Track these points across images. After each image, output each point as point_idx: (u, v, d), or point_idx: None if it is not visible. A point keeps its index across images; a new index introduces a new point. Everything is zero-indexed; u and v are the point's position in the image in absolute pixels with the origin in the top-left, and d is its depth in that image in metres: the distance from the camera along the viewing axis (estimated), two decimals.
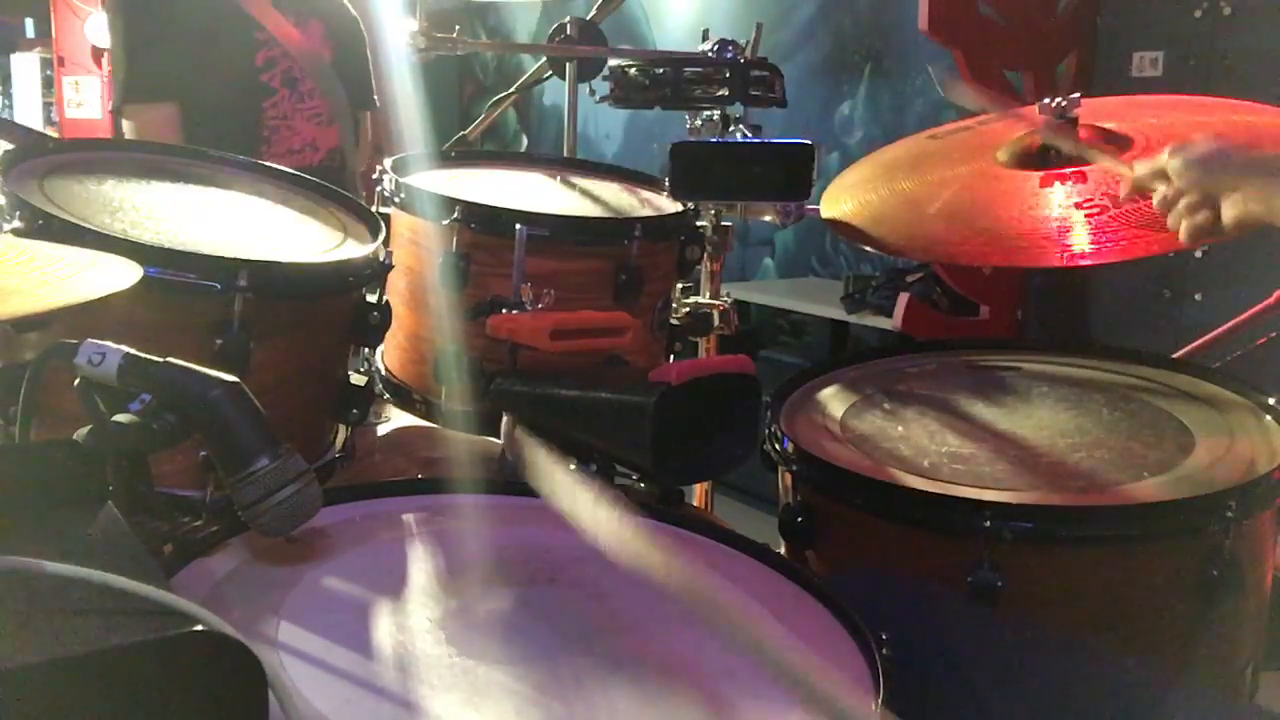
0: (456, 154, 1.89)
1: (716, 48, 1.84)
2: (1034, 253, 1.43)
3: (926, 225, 1.55)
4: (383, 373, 1.58)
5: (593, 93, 2.01)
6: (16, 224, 1.11)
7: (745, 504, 3.21)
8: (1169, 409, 1.42)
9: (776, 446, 1.38)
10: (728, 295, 1.88)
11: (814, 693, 0.72)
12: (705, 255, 1.72)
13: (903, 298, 3.63)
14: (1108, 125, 1.55)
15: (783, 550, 1.35)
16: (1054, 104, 1.51)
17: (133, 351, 0.88)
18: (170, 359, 0.88)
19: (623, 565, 0.91)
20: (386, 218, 1.45)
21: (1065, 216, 1.43)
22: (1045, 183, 1.49)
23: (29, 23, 8.47)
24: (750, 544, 1.09)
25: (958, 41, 3.42)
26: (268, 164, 1.52)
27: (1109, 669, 0.99)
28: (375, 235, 1.37)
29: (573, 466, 1.35)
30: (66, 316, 1.04)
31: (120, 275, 0.89)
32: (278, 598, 0.88)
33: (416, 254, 1.48)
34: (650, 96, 1.89)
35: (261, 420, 0.89)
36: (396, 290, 1.49)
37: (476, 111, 2.48)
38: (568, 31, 2.10)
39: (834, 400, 1.51)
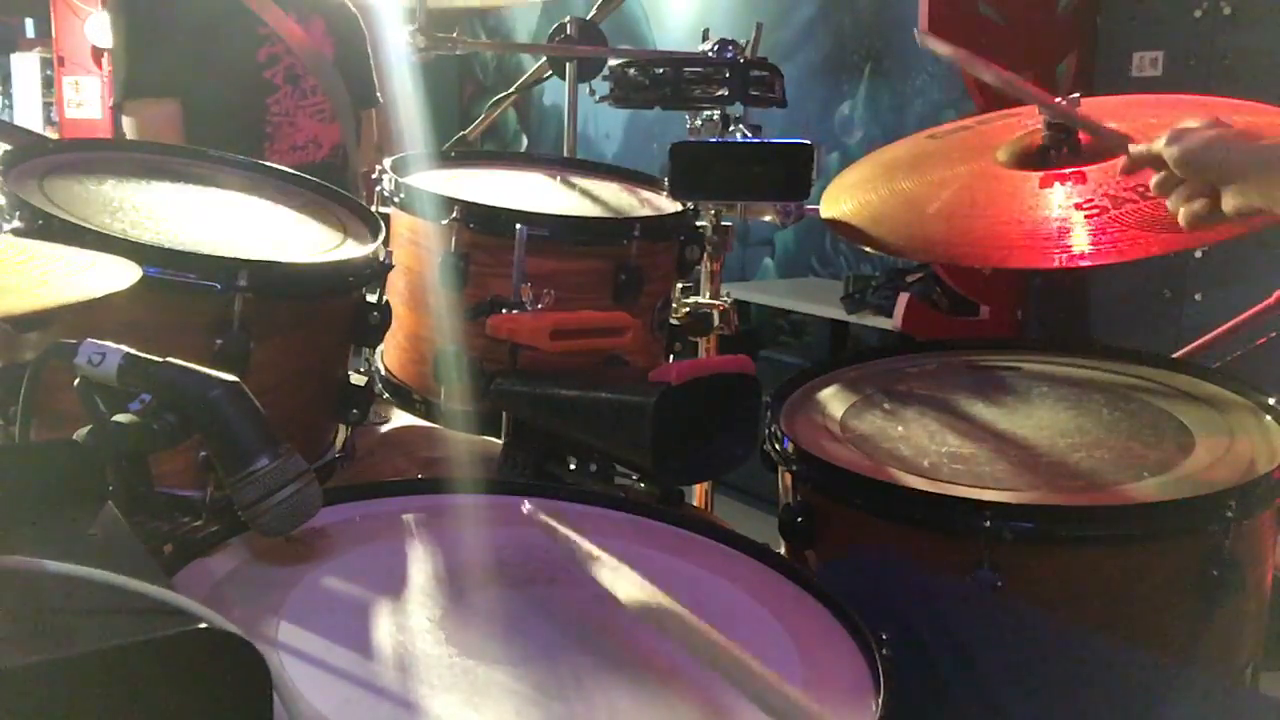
0: (456, 154, 1.89)
1: (716, 48, 1.84)
2: (1034, 253, 1.43)
3: (926, 225, 1.55)
4: (383, 373, 1.58)
5: (593, 93, 2.01)
6: (16, 224, 1.10)
7: (745, 504, 3.21)
8: (1169, 409, 1.42)
9: (776, 446, 1.38)
10: (728, 295, 1.88)
11: None
12: (705, 255, 1.73)
13: (903, 298, 3.63)
14: (1109, 125, 1.55)
15: (783, 550, 1.35)
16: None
17: (133, 351, 0.88)
18: (170, 359, 0.88)
19: (622, 566, 0.91)
20: (386, 217, 1.45)
21: (1065, 217, 1.43)
22: (1045, 183, 1.49)
23: (29, 23, 8.47)
24: (750, 544, 1.09)
25: (958, 41, 3.41)
26: (268, 164, 1.52)
27: (1109, 668, 0.99)
28: (375, 235, 1.36)
29: (573, 466, 1.36)
30: (66, 316, 1.04)
31: (120, 275, 0.89)
32: (278, 598, 0.88)
33: (416, 254, 1.48)
34: (650, 96, 1.89)
35: (261, 420, 0.89)
36: (396, 290, 1.49)
37: (476, 111, 2.48)
38: (568, 31, 2.10)
39: (834, 400, 1.51)
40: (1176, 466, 1.27)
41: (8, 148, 1.26)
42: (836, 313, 4.18)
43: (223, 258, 1.16)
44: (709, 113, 1.85)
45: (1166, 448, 1.32)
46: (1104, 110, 1.60)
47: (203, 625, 0.59)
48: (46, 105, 8.12)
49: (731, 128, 1.82)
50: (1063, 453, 1.32)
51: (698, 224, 1.67)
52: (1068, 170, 1.49)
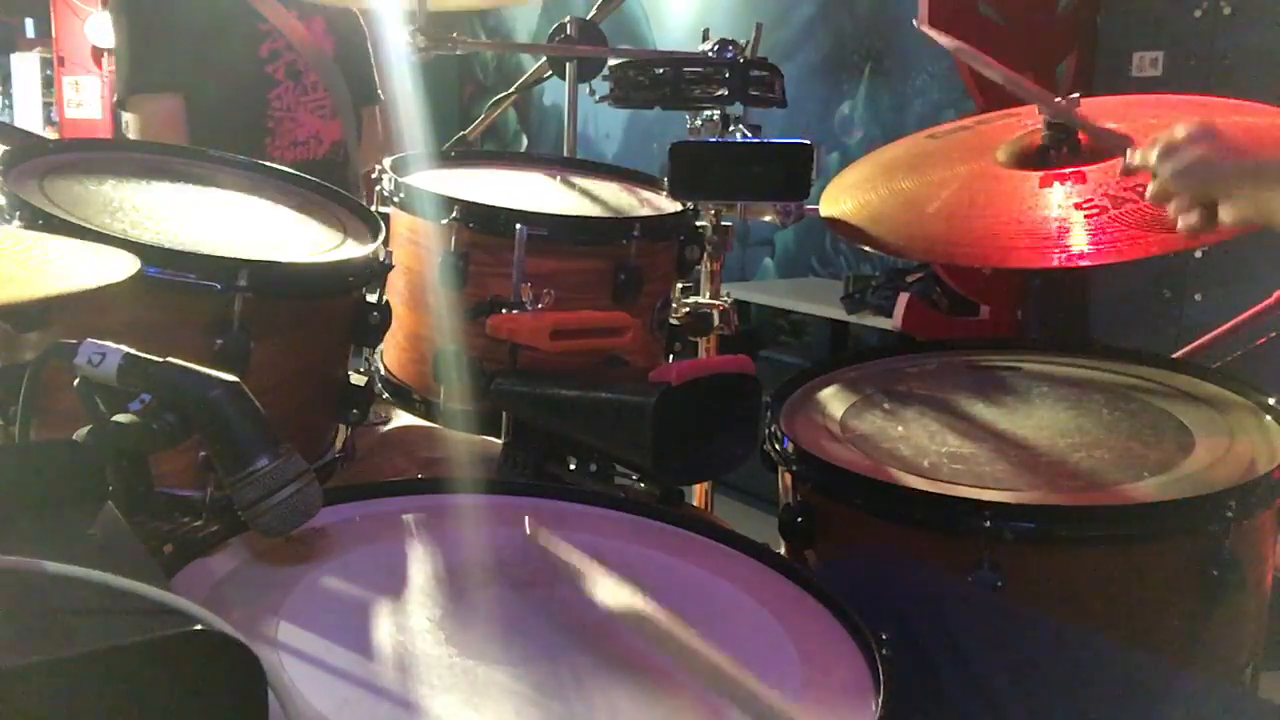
0: (456, 154, 1.89)
1: (716, 48, 1.84)
2: (1034, 253, 1.43)
3: (926, 225, 1.55)
4: (383, 373, 1.58)
5: (593, 93, 2.01)
6: (16, 224, 1.10)
7: (745, 504, 3.21)
8: (1169, 409, 1.42)
9: (776, 446, 1.38)
10: (728, 295, 1.88)
11: None
12: (705, 255, 1.72)
13: (903, 298, 3.63)
14: (1108, 125, 1.55)
15: (783, 550, 1.35)
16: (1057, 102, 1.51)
17: (133, 351, 0.88)
18: (170, 359, 0.88)
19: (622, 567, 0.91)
20: (386, 217, 1.45)
21: (1065, 217, 1.43)
22: (1045, 183, 1.49)
23: (29, 23, 8.47)
24: (750, 544, 1.09)
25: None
26: (268, 164, 1.52)
27: (1107, 669, 0.99)
28: (375, 235, 1.36)
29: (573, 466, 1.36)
30: (66, 315, 1.04)
31: (119, 267, 0.89)
32: (278, 598, 0.88)
33: (416, 254, 1.48)
34: (650, 96, 1.89)
35: (261, 420, 0.89)
36: (396, 290, 1.49)
37: (476, 111, 2.47)
38: (568, 31, 2.10)
39: (834, 400, 1.51)
40: (1176, 466, 1.27)
41: (7, 148, 1.26)
42: (836, 313, 4.18)
43: (223, 258, 1.16)
44: (709, 113, 1.85)
45: (1166, 448, 1.32)
46: (1104, 110, 1.60)
47: (197, 627, 0.59)
48: (46, 105, 8.12)
49: (731, 128, 1.82)
50: (1063, 453, 1.32)
51: (698, 224, 1.67)
52: (1067, 170, 1.49)
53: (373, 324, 1.34)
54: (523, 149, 6.62)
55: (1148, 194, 1.21)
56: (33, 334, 1.09)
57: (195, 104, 2.14)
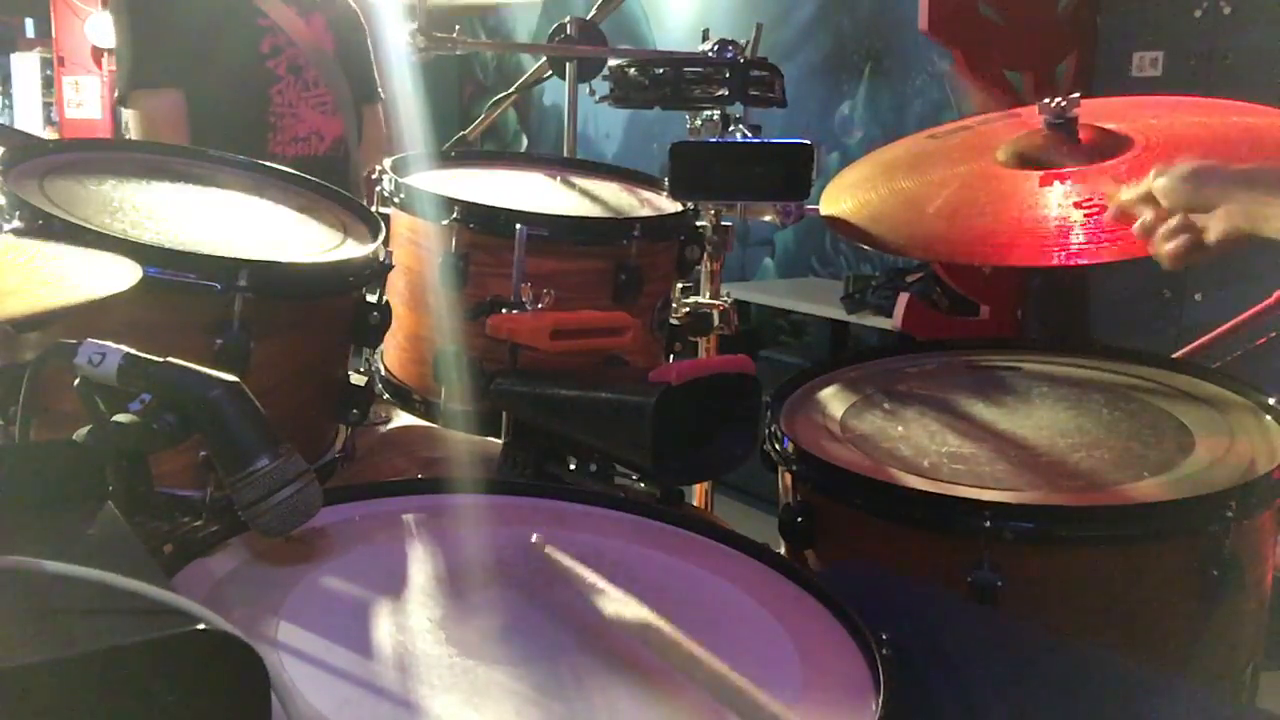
0: (456, 154, 1.89)
1: (716, 48, 1.84)
2: (1034, 253, 1.43)
3: (926, 225, 1.55)
4: (383, 373, 1.58)
5: (593, 93, 2.02)
6: (16, 224, 1.10)
7: (745, 504, 3.21)
8: (1169, 409, 1.42)
9: (776, 446, 1.38)
10: (728, 295, 1.88)
11: None
12: (705, 255, 1.73)
13: (903, 298, 3.63)
14: (1108, 125, 1.55)
15: (783, 550, 1.35)
16: (1054, 104, 1.51)
17: (133, 351, 0.88)
18: (170, 359, 0.88)
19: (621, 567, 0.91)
20: (386, 217, 1.45)
21: (1064, 216, 1.43)
22: (1045, 182, 1.49)
23: (29, 23, 8.48)
24: (750, 544, 1.09)
25: (958, 41, 3.43)
26: (268, 164, 1.52)
27: (1099, 682, 0.99)
28: (375, 235, 1.36)
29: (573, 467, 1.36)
30: (66, 316, 1.04)
31: (120, 275, 0.89)
32: (278, 598, 0.88)
33: (416, 254, 1.48)
34: (650, 96, 1.89)
35: (261, 420, 0.89)
36: (396, 290, 1.49)
37: (476, 111, 2.48)
38: (568, 31, 2.10)
39: (834, 400, 1.51)
40: (1176, 466, 1.27)
41: (6, 148, 1.26)
42: (836, 313, 4.18)
43: (223, 258, 1.16)
44: (709, 113, 1.85)
45: (1166, 448, 1.32)
46: (1104, 110, 1.60)
47: (200, 626, 0.59)
48: (46, 105, 8.13)
49: (731, 128, 1.82)
50: (1063, 453, 1.32)
51: (698, 224, 1.67)
52: (1067, 169, 1.49)
53: (373, 324, 1.34)
54: (523, 149, 6.62)
55: (1135, 227, 1.22)
56: (33, 334, 1.09)
57: (197, 100, 2.14)
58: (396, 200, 1.50)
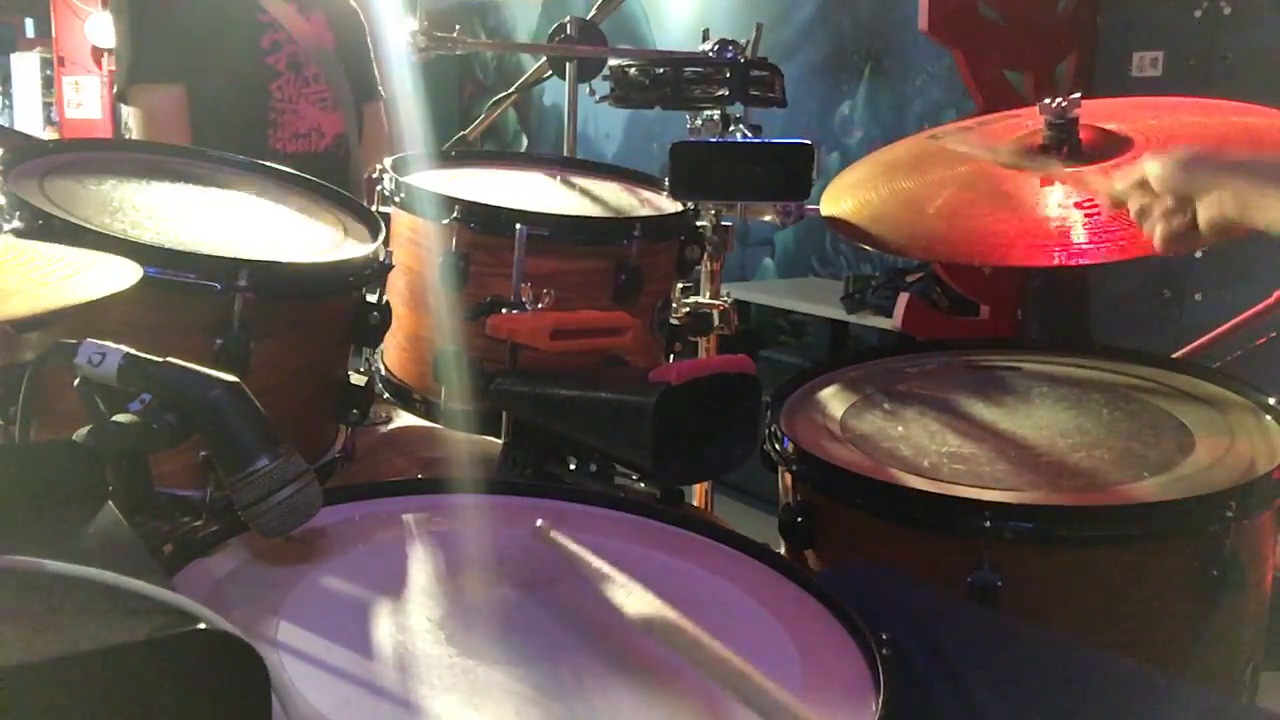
0: (456, 154, 1.89)
1: (716, 48, 1.84)
2: (1034, 253, 1.43)
3: (926, 225, 1.55)
4: (383, 373, 1.58)
5: (593, 93, 2.02)
6: (16, 224, 1.10)
7: (745, 504, 3.21)
8: (1169, 409, 1.42)
9: (776, 446, 1.38)
10: (728, 295, 1.88)
11: None
12: (705, 255, 1.72)
13: (903, 298, 3.63)
14: (1108, 126, 1.55)
15: (783, 550, 1.35)
16: (1054, 104, 1.51)
17: (133, 351, 0.88)
18: (170, 359, 0.88)
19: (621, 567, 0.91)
20: (386, 217, 1.45)
21: (1065, 216, 1.43)
22: (1045, 182, 1.49)
23: (29, 23, 8.48)
24: (750, 544, 1.09)
25: (958, 42, 3.43)
26: (268, 164, 1.52)
27: (1101, 684, 0.99)
28: (375, 235, 1.37)
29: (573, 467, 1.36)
30: (66, 316, 1.04)
31: (120, 275, 0.89)
32: (278, 598, 0.88)
33: (416, 254, 1.48)
34: (650, 96, 1.89)
35: (261, 420, 0.89)
36: (396, 290, 1.49)
37: (476, 111, 2.48)
38: (568, 31, 2.10)
39: (834, 400, 1.51)
40: (1176, 466, 1.27)
41: (6, 149, 1.26)
42: (836, 313, 4.18)
43: (223, 258, 1.16)
44: (709, 113, 1.85)
45: (1166, 448, 1.32)
46: (1104, 110, 1.60)
47: (201, 626, 0.59)
48: (46, 105, 8.13)
49: (731, 128, 1.82)
50: (1063, 453, 1.32)
51: (698, 224, 1.67)
52: (1067, 170, 1.49)
53: (373, 324, 1.34)
54: (523, 149, 6.63)
55: (1131, 210, 1.22)
56: (33, 334, 1.09)
57: (197, 95, 2.14)
58: (397, 200, 1.50)
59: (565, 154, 2.18)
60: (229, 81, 2.15)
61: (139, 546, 0.72)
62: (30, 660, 0.55)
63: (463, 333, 1.43)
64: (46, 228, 1.10)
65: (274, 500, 0.88)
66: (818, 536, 1.33)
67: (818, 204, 1.66)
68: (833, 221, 1.62)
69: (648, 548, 1.07)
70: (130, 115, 2.18)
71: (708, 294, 1.87)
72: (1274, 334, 1.92)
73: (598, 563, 0.93)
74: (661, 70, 1.87)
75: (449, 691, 0.78)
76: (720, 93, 1.83)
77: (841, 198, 1.64)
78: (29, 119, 8.21)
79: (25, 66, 8.29)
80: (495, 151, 2.49)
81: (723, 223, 1.79)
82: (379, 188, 1.54)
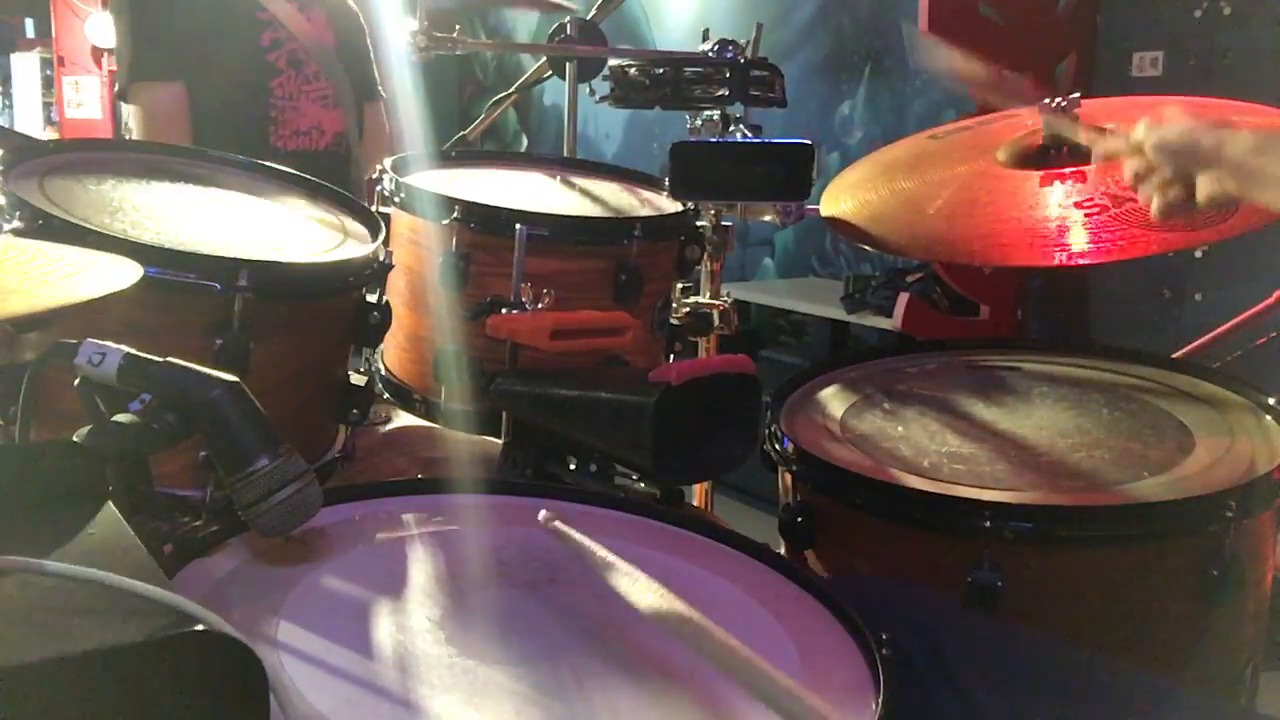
0: (456, 154, 1.89)
1: (716, 48, 1.84)
2: (1034, 253, 1.43)
3: (926, 225, 1.55)
4: (383, 373, 1.58)
5: (593, 93, 2.02)
6: (16, 224, 1.10)
7: (745, 504, 3.21)
8: (1169, 409, 1.42)
9: (776, 446, 1.38)
10: (728, 295, 1.88)
11: None
12: (705, 255, 1.73)
13: (903, 298, 3.63)
14: (1108, 126, 1.55)
15: (783, 550, 1.35)
16: (1054, 104, 1.51)
17: (133, 351, 0.88)
18: (170, 359, 0.88)
19: (622, 566, 0.91)
20: (386, 217, 1.45)
21: (1065, 216, 1.43)
22: (1045, 182, 1.49)
23: (29, 23, 8.47)
24: (750, 544, 1.09)
25: (958, 41, 3.42)
26: (268, 164, 1.52)
27: (1101, 689, 0.99)
28: (375, 235, 1.37)
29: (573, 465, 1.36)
30: (67, 316, 1.04)
31: (120, 275, 0.89)
32: (278, 598, 0.88)
33: (416, 254, 1.48)
34: (650, 96, 1.89)
35: (261, 420, 0.89)
36: (396, 290, 1.49)
37: (476, 111, 2.48)
38: (568, 31, 2.10)
39: (834, 400, 1.51)
40: (1176, 466, 1.27)
41: (6, 149, 1.26)
42: (836, 313, 4.18)
43: (223, 258, 1.16)
44: (709, 113, 1.85)
45: (1166, 448, 1.32)
46: (1104, 110, 1.60)
47: (200, 627, 0.59)
48: (46, 105, 8.13)
49: (731, 128, 1.82)
50: (1063, 453, 1.32)
51: (698, 224, 1.67)
52: (1067, 170, 1.49)
53: (373, 324, 1.34)
54: (523, 149, 6.62)
55: (1126, 173, 1.20)
56: (33, 334, 1.09)
57: (197, 93, 2.14)
58: (397, 200, 1.50)
59: (565, 154, 2.18)
60: (229, 79, 2.15)
61: (139, 546, 0.72)
62: (30, 660, 0.55)
63: (463, 333, 1.43)
64: (46, 228, 1.10)
65: (274, 500, 0.88)
66: (818, 536, 1.33)
67: (818, 204, 1.66)
68: (833, 221, 1.62)
69: (648, 548, 1.07)
70: (130, 114, 2.18)
71: (708, 294, 1.87)
72: (1274, 334, 1.92)
73: (597, 562, 0.93)
74: (661, 70, 1.87)
75: (449, 691, 0.79)
76: (720, 93, 1.83)
77: (841, 198, 1.64)
78: (29, 119, 8.20)
79: (25, 66, 8.28)
80: (495, 151, 2.49)
81: (723, 223, 1.79)
82: (379, 188, 1.54)
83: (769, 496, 1.46)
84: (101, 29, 7.01)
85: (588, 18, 2.14)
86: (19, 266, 0.87)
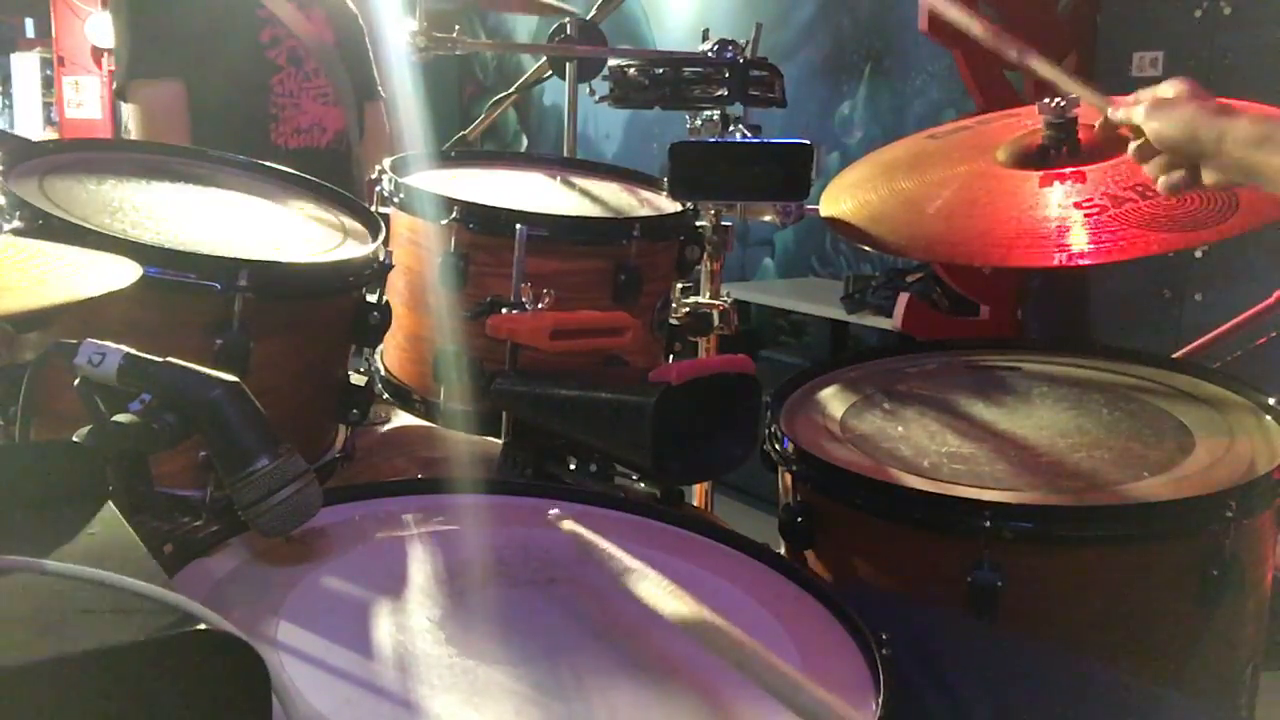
0: (456, 154, 1.89)
1: (716, 48, 1.84)
2: (1034, 253, 1.43)
3: (926, 225, 1.55)
4: (383, 373, 1.58)
5: (593, 93, 2.02)
6: (16, 224, 1.10)
7: (745, 504, 3.21)
8: (1169, 409, 1.42)
9: (776, 446, 1.38)
10: (728, 295, 1.88)
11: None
12: (705, 255, 1.72)
13: (903, 298, 3.63)
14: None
15: (783, 550, 1.35)
16: (1054, 104, 1.51)
17: (133, 351, 0.88)
18: (170, 359, 0.88)
19: (618, 567, 0.91)
20: (386, 217, 1.45)
21: (1064, 216, 1.43)
22: (1045, 182, 1.49)
23: (29, 23, 8.48)
24: (750, 544, 1.09)
25: (958, 41, 3.42)
26: (268, 164, 1.52)
27: (1098, 698, 0.99)
28: (375, 235, 1.37)
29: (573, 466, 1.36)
30: (66, 316, 1.04)
31: (120, 274, 0.89)
32: (278, 598, 0.88)
33: (416, 254, 1.48)
34: (650, 96, 1.89)
35: (261, 420, 0.89)
36: (396, 290, 1.49)
37: (476, 111, 2.48)
38: (568, 31, 2.10)
39: (834, 400, 1.51)
40: (1176, 466, 1.27)
41: (6, 149, 1.26)
42: (836, 313, 4.18)
43: (223, 258, 1.16)
44: (709, 113, 1.85)
45: (1166, 448, 1.32)
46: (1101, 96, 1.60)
47: (202, 626, 0.59)
48: (46, 105, 8.13)
49: (731, 128, 1.82)
50: (1063, 453, 1.32)
51: (698, 224, 1.67)
52: (1067, 170, 1.49)
53: (373, 324, 1.34)
54: (523, 149, 6.63)
55: (1130, 151, 1.20)
56: (33, 334, 1.09)
57: (198, 91, 2.13)
58: (396, 200, 1.50)
59: (565, 154, 2.18)
60: (229, 77, 2.15)
61: (139, 546, 0.72)
62: (30, 660, 0.55)
63: (463, 333, 1.43)
64: (46, 228, 1.10)
65: (274, 500, 0.88)
66: (818, 536, 1.33)
67: (818, 204, 1.66)
68: (833, 222, 1.62)
69: (648, 548, 1.07)
70: (129, 113, 2.18)
71: (708, 294, 1.87)
72: (1274, 334, 1.92)
73: (598, 562, 0.93)
74: (661, 70, 1.87)
75: (449, 691, 0.79)
76: (720, 93, 1.83)
77: (841, 198, 1.64)
78: (29, 119, 8.21)
79: (25, 66, 8.29)
80: (495, 151, 2.49)
81: (722, 223, 1.79)
82: (378, 188, 1.54)
83: (769, 496, 1.46)
84: (101, 29, 7.02)
85: (588, 18, 2.14)
86: (18, 265, 0.87)
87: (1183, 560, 1.19)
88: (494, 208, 1.44)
